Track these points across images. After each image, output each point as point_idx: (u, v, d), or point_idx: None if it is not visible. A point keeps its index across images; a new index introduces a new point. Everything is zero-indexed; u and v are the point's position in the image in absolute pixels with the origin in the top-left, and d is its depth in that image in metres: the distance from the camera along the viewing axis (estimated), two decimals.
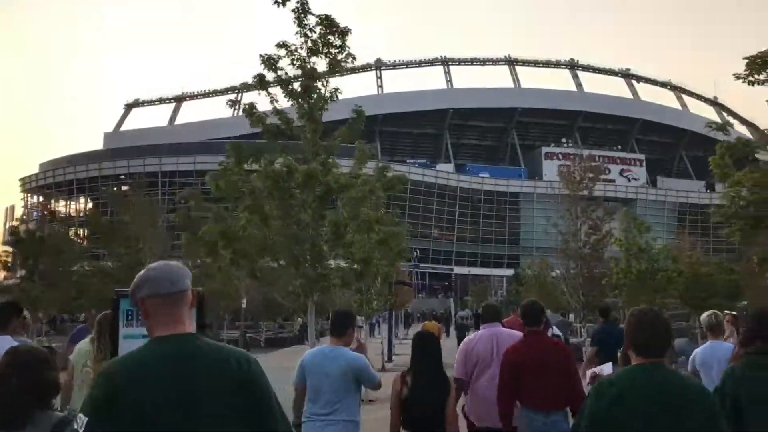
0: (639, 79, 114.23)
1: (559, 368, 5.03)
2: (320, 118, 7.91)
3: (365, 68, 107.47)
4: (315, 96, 7.80)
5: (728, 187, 11.40)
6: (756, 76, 9.68)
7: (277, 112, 8.01)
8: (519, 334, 5.58)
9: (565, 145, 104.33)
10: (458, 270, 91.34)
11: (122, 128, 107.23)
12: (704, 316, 6.28)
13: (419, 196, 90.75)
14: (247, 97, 8.09)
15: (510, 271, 78.67)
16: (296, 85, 8.28)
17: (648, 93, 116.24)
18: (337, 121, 10.01)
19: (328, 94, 7.93)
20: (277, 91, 8.30)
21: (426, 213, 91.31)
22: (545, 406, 4.93)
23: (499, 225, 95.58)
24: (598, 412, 2.80)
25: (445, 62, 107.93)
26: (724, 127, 12.10)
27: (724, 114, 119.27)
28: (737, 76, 10.06)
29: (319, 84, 8.45)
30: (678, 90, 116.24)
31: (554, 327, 14.34)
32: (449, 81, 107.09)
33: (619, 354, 7.66)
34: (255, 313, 34.20)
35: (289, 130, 7.99)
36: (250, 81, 8.31)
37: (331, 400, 4.75)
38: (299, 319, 34.22)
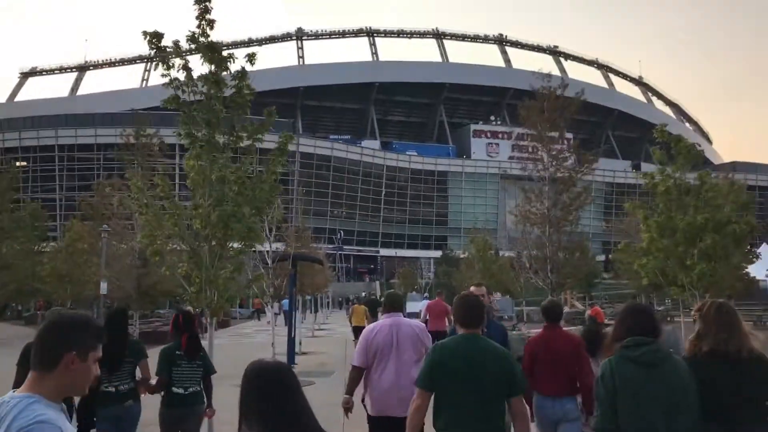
0: (567, 56, 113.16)
1: (571, 359, 5.48)
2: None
3: (285, 38, 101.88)
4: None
5: None
6: None
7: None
8: (419, 324, 5.75)
9: (494, 122, 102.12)
10: (384, 252, 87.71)
11: (17, 98, 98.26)
12: None
13: (343, 174, 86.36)
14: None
15: (438, 253, 75.57)
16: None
17: (575, 71, 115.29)
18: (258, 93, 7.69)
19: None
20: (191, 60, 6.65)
21: (350, 192, 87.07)
22: (557, 392, 5.46)
23: (427, 205, 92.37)
24: (432, 362, 3.81)
25: (371, 33, 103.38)
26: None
27: (649, 94, 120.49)
28: None
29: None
30: (605, 68, 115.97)
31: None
32: (375, 53, 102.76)
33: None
34: (123, 302, 29.12)
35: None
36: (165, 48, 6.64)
37: None
38: (189, 308, 29.12)
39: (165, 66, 6.09)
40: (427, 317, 14.55)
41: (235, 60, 6.37)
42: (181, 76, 6.24)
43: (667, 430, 3.26)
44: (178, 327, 5.80)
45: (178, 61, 6.22)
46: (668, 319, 33.07)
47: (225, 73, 6.42)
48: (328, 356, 18.32)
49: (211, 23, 6.39)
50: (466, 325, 3.86)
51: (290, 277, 15.44)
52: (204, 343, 6.33)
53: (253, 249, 6.84)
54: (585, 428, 5.47)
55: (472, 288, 5.84)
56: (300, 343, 19.54)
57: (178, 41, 6.30)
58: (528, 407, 5.14)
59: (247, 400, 2.44)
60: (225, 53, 6.33)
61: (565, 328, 6.32)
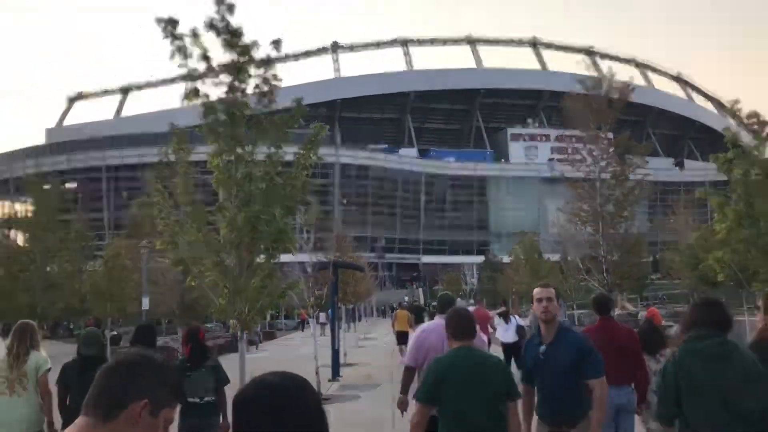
0: (603, 56, 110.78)
1: (627, 349, 5.65)
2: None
3: (321, 51, 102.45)
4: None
5: None
6: None
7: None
8: None
9: (531, 125, 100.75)
10: (426, 259, 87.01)
11: (65, 123, 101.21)
12: None
13: (383, 183, 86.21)
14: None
15: (480, 258, 74.56)
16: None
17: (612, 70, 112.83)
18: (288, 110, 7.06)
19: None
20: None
21: (390, 201, 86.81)
22: (615, 380, 5.18)
23: (467, 211, 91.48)
24: (432, 377, 3.92)
25: (404, 43, 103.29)
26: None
27: (689, 90, 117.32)
28: None
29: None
30: (643, 67, 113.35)
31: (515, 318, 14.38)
32: (409, 62, 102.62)
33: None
34: (167, 317, 29.12)
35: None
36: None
37: None
38: (233, 321, 29.03)
39: (182, 55, 5.76)
40: None
41: (260, 47, 6.01)
42: (201, 66, 5.91)
43: (731, 420, 3.26)
44: (186, 340, 5.85)
45: (197, 51, 5.90)
46: None
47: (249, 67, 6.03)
48: (373, 367, 17.86)
49: (230, 8, 6.01)
50: (459, 337, 3.95)
51: (331, 285, 15.08)
52: (231, 356, 6.04)
53: (289, 253, 6.40)
54: (640, 417, 5.87)
55: (536, 290, 4.61)
56: (345, 354, 19.08)
57: (196, 28, 5.97)
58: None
59: None
60: (249, 40, 5.96)
61: None
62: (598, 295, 6.46)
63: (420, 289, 75.99)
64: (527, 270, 24.92)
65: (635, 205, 16.99)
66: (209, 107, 5.97)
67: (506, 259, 46.04)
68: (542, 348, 4.34)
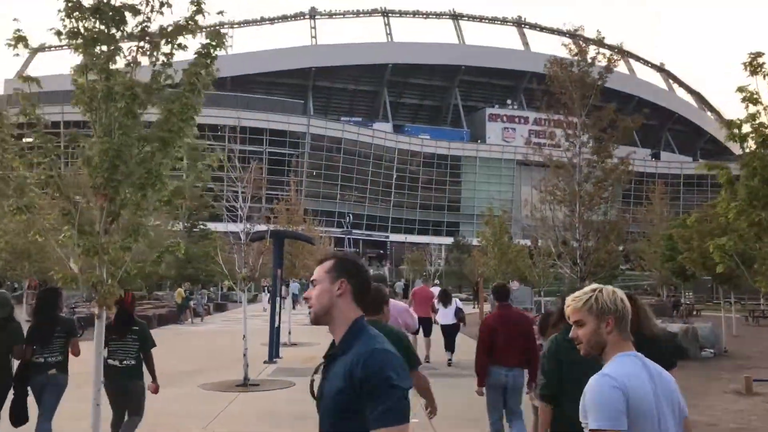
0: (588, 41, 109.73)
1: (523, 334, 6.57)
2: None
3: (298, 16, 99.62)
4: None
5: None
6: None
7: None
8: (402, 305, 6.38)
9: (510, 106, 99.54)
10: (394, 237, 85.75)
11: (26, 74, 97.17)
12: None
13: (354, 157, 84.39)
14: None
15: (449, 240, 73.58)
16: None
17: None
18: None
19: None
20: None
21: (361, 176, 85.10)
22: (509, 362, 6.45)
23: (439, 190, 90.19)
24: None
25: (386, 13, 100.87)
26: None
27: (671, 81, 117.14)
28: None
29: None
30: (626, 54, 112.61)
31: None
32: (389, 34, 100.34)
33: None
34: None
35: None
36: None
37: None
38: (180, 289, 27.27)
39: None
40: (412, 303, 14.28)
41: None
42: None
43: None
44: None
45: None
46: (694, 313, 30.79)
47: None
48: (319, 349, 16.29)
49: None
50: (366, 313, 3.79)
51: (274, 257, 13.48)
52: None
53: (168, 204, 4.86)
54: (529, 395, 6.59)
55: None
56: (289, 333, 17.64)
57: None
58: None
59: None
60: None
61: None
62: (497, 285, 7.31)
63: (386, 267, 74.80)
64: (496, 253, 23.63)
65: (617, 185, 15.64)
66: (74, 5, 4.39)
67: (475, 242, 44.94)
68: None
